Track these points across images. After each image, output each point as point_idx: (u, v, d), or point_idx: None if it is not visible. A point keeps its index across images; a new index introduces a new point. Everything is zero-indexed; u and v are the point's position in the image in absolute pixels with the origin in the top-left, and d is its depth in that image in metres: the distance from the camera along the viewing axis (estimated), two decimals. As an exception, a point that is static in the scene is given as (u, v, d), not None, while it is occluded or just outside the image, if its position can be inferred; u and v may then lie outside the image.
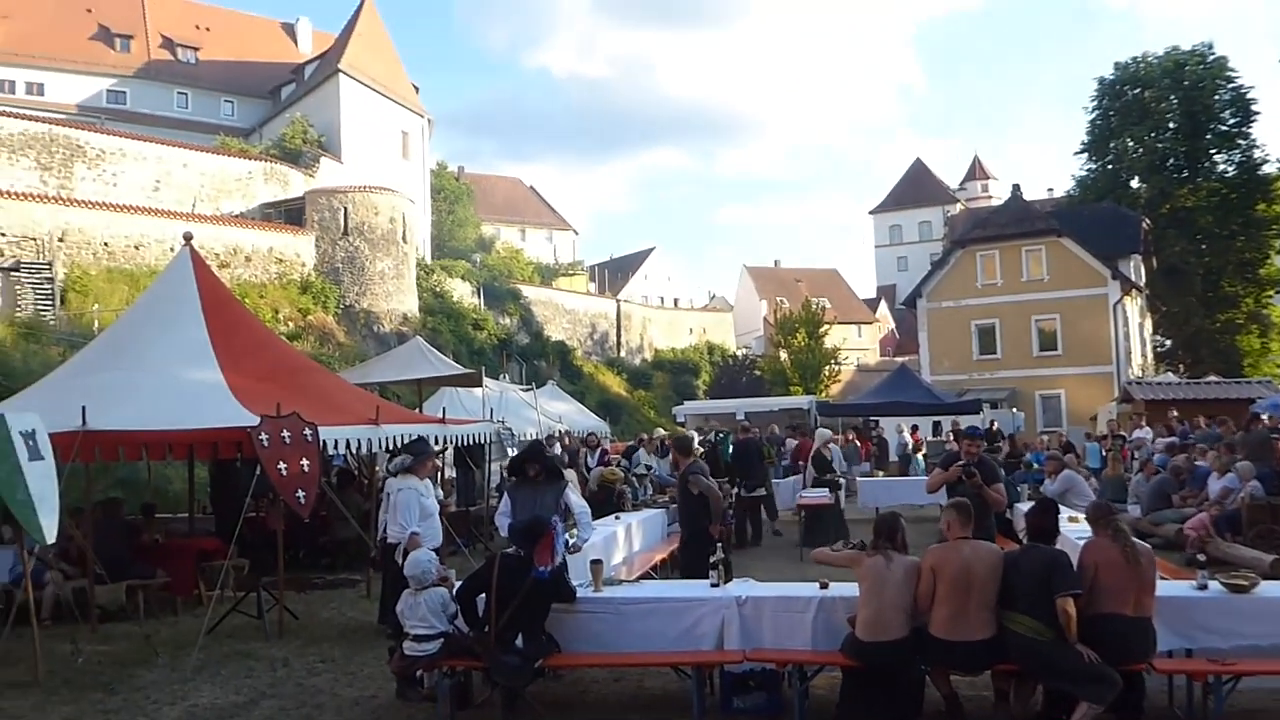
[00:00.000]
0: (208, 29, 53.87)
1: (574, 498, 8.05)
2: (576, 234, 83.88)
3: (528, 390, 22.56)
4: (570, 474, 9.92)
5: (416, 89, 50.35)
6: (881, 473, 21.86)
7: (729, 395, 42.09)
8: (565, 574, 6.87)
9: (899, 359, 51.69)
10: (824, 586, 6.52)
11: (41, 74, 47.32)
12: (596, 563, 7.23)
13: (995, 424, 24.91)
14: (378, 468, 13.20)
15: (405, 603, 6.59)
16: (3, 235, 25.89)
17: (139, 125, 42.58)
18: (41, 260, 26.12)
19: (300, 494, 9.20)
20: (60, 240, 27.42)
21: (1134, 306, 38.03)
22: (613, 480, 14.10)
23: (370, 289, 35.36)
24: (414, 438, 10.00)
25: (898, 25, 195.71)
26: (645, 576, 9.25)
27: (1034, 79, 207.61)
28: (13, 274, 24.69)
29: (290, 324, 30.88)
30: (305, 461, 9.29)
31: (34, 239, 26.79)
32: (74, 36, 49.04)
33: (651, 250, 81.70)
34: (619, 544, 10.80)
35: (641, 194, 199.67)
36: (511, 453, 17.47)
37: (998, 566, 5.92)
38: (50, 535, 7.71)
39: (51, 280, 25.51)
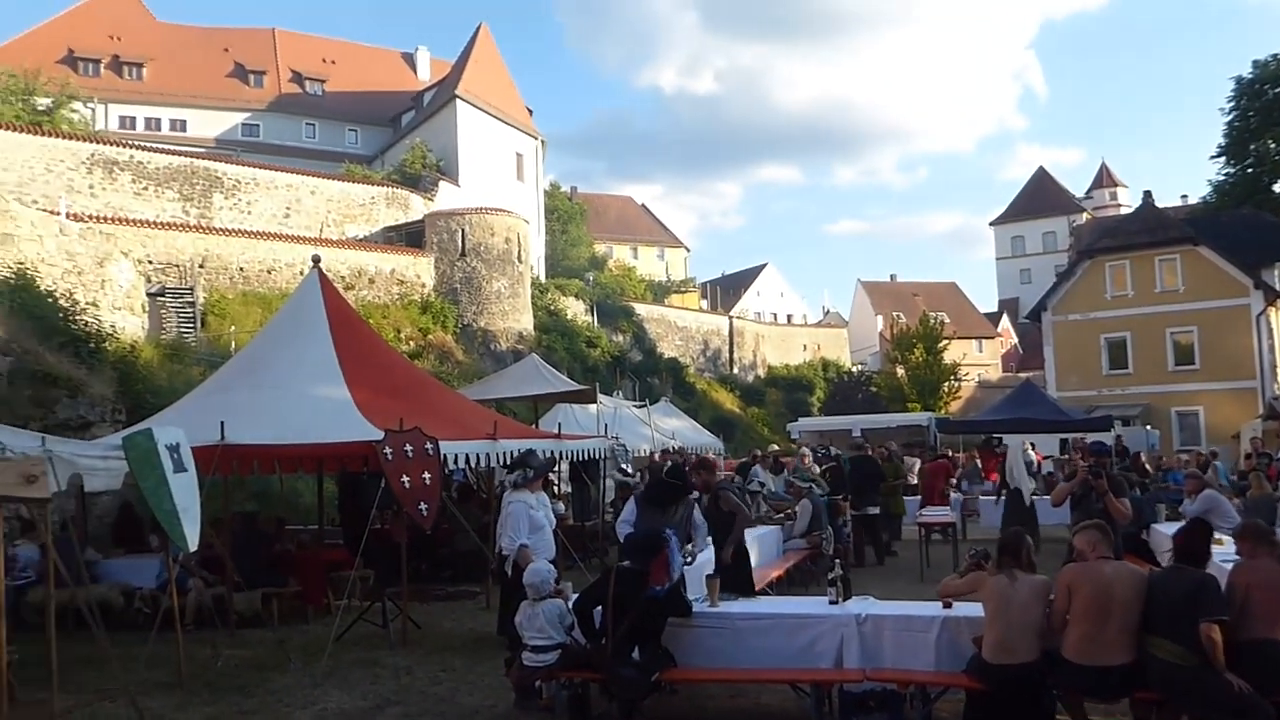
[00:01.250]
0: (333, 62, 56.34)
1: (697, 514, 8.07)
2: (688, 251, 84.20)
3: (641, 407, 22.66)
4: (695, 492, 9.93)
5: (530, 112, 51.48)
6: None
7: (844, 412, 41.44)
8: (682, 589, 6.86)
9: (1022, 374, 49.99)
10: (947, 606, 6.34)
11: (184, 111, 50.30)
12: (713, 578, 7.20)
13: (1121, 438, 23.78)
14: (496, 481, 13.45)
15: (524, 614, 6.69)
16: (150, 263, 27.51)
17: (271, 156, 44.75)
18: (184, 285, 27.65)
19: (422, 506, 9.45)
20: (200, 266, 28.98)
21: (1279, 317, 35.87)
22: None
23: (487, 308, 36.19)
24: (523, 450, 10.17)
25: (1017, 30, 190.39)
26: (761, 592, 9.16)
27: (1164, 80, 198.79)
28: (158, 299, 26.19)
29: (411, 343, 31.83)
30: (427, 475, 9.55)
31: (177, 266, 28.40)
32: (213, 75, 52.03)
33: (764, 266, 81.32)
34: (734, 560, 10.71)
35: (753, 210, 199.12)
36: (626, 468, 17.63)
37: (1141, 588, 5.63)
38: (193, 544, 8.11)
39: (193, 304, 26.98)
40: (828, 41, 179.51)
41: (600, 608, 6.44)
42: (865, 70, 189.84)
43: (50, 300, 17.25)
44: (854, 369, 60.99)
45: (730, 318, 59.36)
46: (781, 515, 14.13)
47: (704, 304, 66.01)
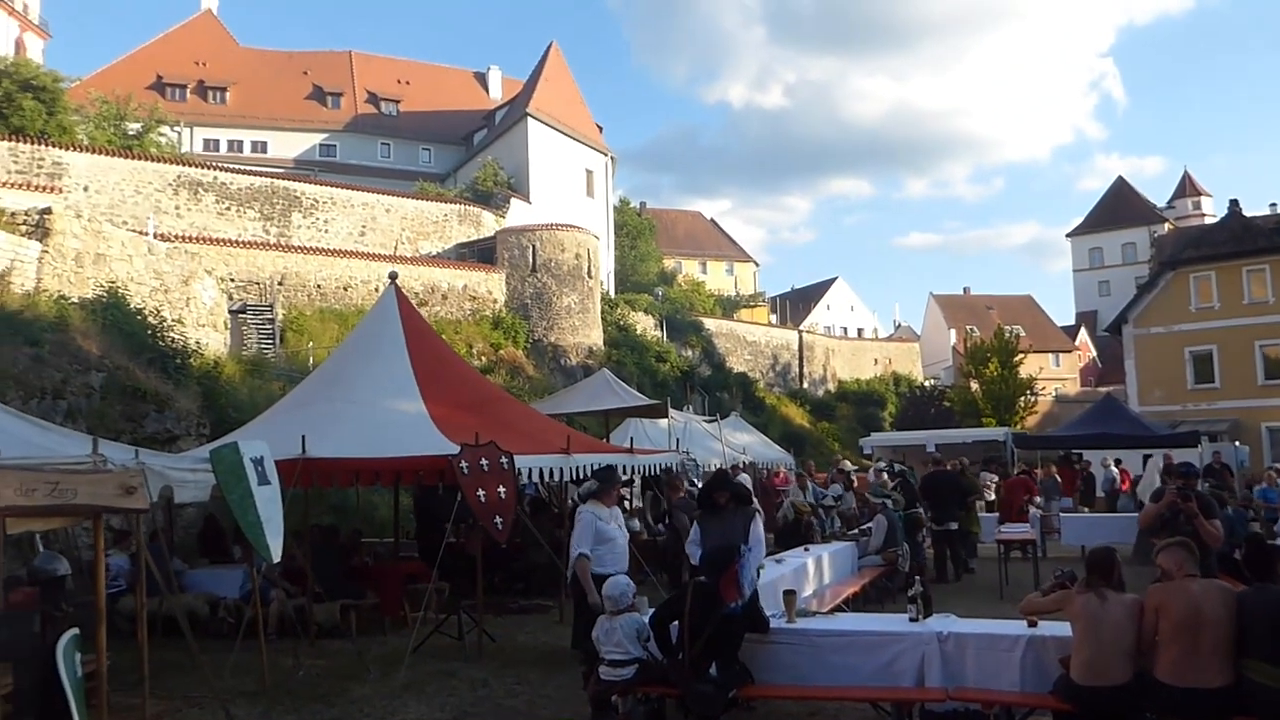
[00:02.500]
0: (407, 83, 57.54)
1: (756, 526, 7.97)
2: (757, 265, 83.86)
3: (711, 421, 22.58)
4: (756, 502, 9.83)
5: (600, 128, 51.90)
6: (1087, 509, 20.54)
7: (917, 427, 40.75)
8: (758, 604, 6.79)
9: (1102, 389, 48.65)
10: (1032, 624, 6.17)
11: (265, 133, 51.83)
12: (789, 593, 7.13)
13: (1220, 454, 22.90)
14: (568, 496, 13.52)
15: (601, 628, 6.69)
16: (232, 281, 28.36)
17: (347, 175, 45.86)
18: (264, 303, 28.44)
19: (498, 520, 9.53)
20: (280, 284, 29.77)
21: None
22: (802, 512, 13.89)
23: (557, 323, 36.49)
24: (603, 466, 10.19)
25: (1094, 37, 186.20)
26: (837, 609, 9.04)
27: (1250, 84, 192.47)
28: (240, 316, 26.97)
29: (483, 358, 32.24)
30: (502, 489, 9.63)
31: (258, 283, 29.23)
32: (292, 98, 53.55)
33: (834, 280, 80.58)
34: (809, 576, 10.61)
35: (822, 223, 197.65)
36: (699, 483, 17.53)
37: (1231, 606, 5.41)
38: (276, 555, 8.29)
39: (273, 321, 27.72)
40: (898, 53, 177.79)
41: (677, 623, 6.41)
42: (937, 81, 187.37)
43: (139, 318, 17.88)
44: (926, 383, 59.97)
45: (800, 332, 58.90)
46: (856, 530, 13.96)
47: (773, 318, 65.60)
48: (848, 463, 23.26)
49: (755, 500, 9.24)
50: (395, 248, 36.12)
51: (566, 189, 45.01)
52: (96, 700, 5.95)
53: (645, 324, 45.65)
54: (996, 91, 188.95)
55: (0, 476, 4.71)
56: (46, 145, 28.71)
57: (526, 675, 8.84)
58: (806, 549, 11.87)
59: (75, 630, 5.64)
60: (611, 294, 46.06)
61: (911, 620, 6.60)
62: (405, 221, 37.31)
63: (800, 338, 57.74)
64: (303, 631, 9.82)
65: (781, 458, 24.81)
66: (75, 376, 14.28)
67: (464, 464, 9.34)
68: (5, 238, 16.88)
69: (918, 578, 7.30)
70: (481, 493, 9.39)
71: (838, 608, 9.38)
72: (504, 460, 9.73)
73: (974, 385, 47.17)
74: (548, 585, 13.05)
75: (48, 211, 18.81)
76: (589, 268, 37.81)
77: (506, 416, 12.19)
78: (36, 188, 25.26)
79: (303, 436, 9.62)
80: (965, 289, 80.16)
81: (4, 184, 24.06)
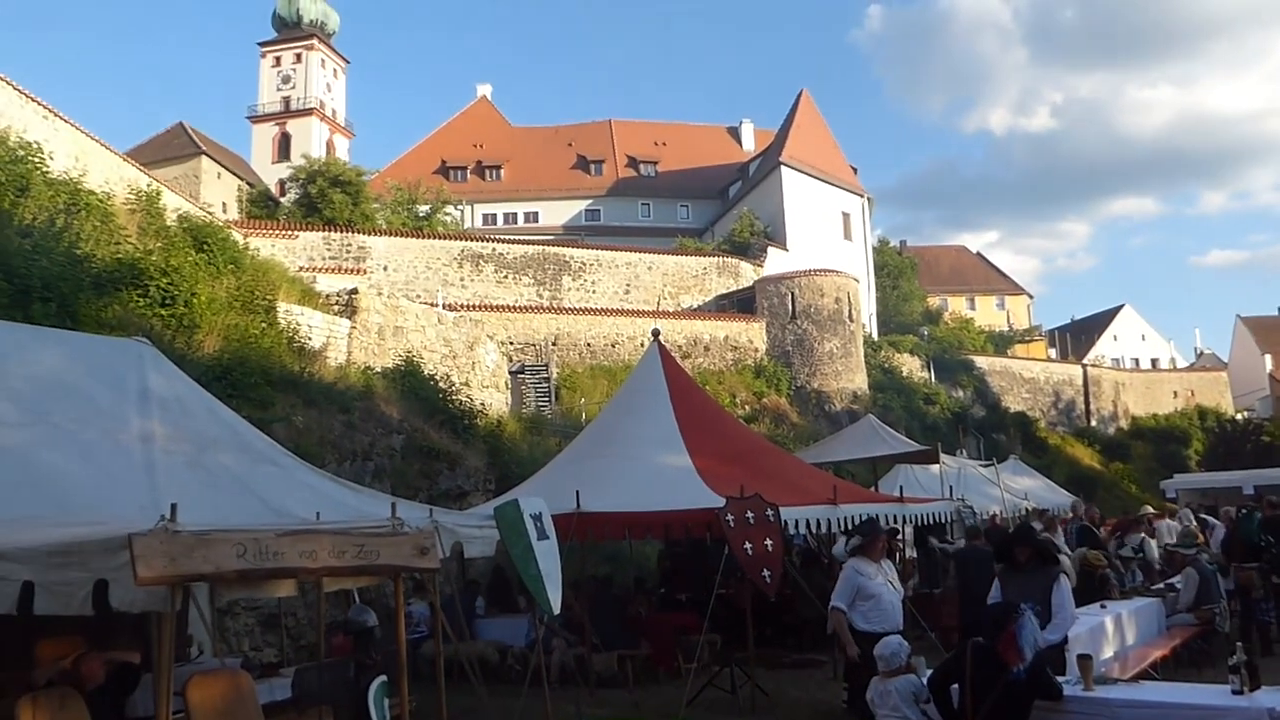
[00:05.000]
0: (664, 144, 59.75)
1: (1060, 590, 7.34)
2: (1031, 298, 79.02)
3: (988, 466, 21.39)
4: (1065, 561, 9.12)
5: (855, 170, 51.29)
6: None
7: (1229, 466, 36.50)
8: (1045, 668, 6.28)
9: None
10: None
11: (536, 204, 55.57)
12: (1085, 658, 6.55)
13: None
14: (835, 548, 13.23)
15: (875, 690, 6.45)
16: (510, 343, 30.39)
17: (611, 237, 48.03)
18: (540, 363, 30.22)
19: (766, 573, 9.48)
20: (553, 344, 31.55)
21: None
22: (1096, 565, 12.78)
23: (820, 369, 36.10)
24: (867, 518, 9.91)
25: None
26: (1142, 676, 8.20)
27: None
28: (518, 376, 28.79)
29: (746, 407, 32.43)
30: (769, 541, 9.59)
31: (534, 345, 31.15)
32: (559, 168, 57.16)
33: (1120, 308, 74.38)
34: (1108, 637, 9.70)
35: (1104, 248, 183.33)
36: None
37: None
38: (556, 607, 8.68)
39: (548, 380, 29.37)
40: (1180, 57, 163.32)
41: (956, 685, 6.06)
42: (1233, 84, 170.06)
43: (432, 383, 19.52)
44: (1239, 416, 53.72)
45: (1084, 366, 54.75)
46: (1161, 585, 12.65)
47: (1052, 353, 61.49)
48: (1149, 508, 21.17)
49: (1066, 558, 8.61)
50: (658, 303, 37.31)
51: (823, 233, 44.71)
52: (403, 742, 6.43)
53: (911, 365, 44.18)
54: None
55: (318, 541, 5.26)
56: (353, 232, 32.28)
57: (801, 734, 8.66)
58: (1103, 605, 10.87)
59: (383, 676, 6.18)
60: (874, 336, 45.02)
61: (1235, 693, 5.86)
62: (666, 277, 38.48)
63: (1085, 372, 53.65)
64: (582, 680, 10.17)
65: (1068, 503, 23.02)
66: (380, 439, 15.79)
67: (730, 517, 9.41)
68: (322, 317, 19.05)
69: (1239, 644, 6.46)
70: (748, 545, 9.40)
71: (1143, 674, 8.51)
72: (769, 513, 9.71)
73: (1299, 417, 41.74)
74: (820, 639, 12.74)
75: (355, 292, 21.05)
76: (850, 311, 37.22)
77: (771, 467, 12.18)
78: (345, 270, 28.41)
79: (576, 492, 10.07)
80: (1280, 309, 71.39)
81: (320, 269, 27.21)
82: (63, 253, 13.58)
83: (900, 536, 13.88)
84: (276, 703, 7.42)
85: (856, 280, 39.53)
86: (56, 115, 21.94)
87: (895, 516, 12.28)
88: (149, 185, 22.72)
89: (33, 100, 21.25)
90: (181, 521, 4.74)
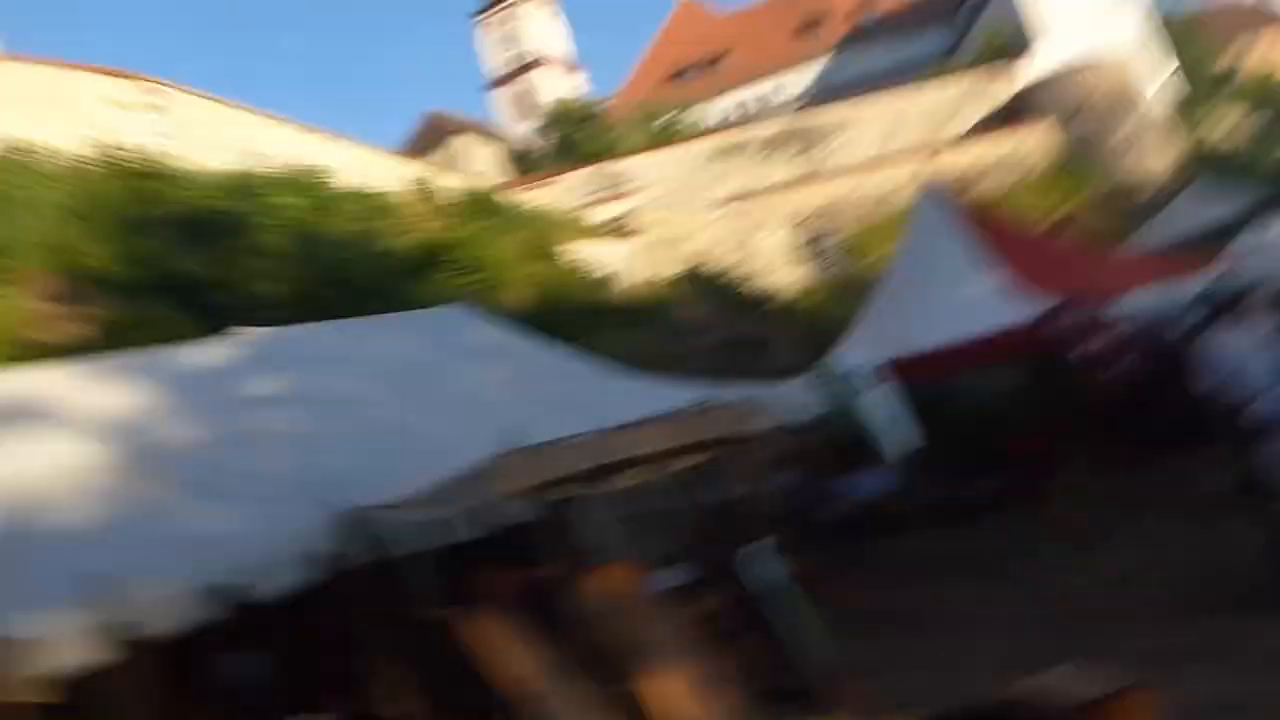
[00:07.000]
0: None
1: None
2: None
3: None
4: None
5: None
6: None
7: None
8: None
9: None
10: None
11: (769, 81, 54.27)
12: None
13: None
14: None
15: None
16: (788, 221, 30.09)
17: (852, 93, 45.95)
18: (821, 232, 29.78)
19: (1113, 370, 8.82)
20: (831, 210, 30.91)
21: None
22: None
23: (1111, 165, 32.81)
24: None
25: None
26: None
27: None
28: (805, 249, 28.56)
29: (1045, 221, 30.15)
30: (1107, 338, 8.88)
31: (810, 216, 30.63)
32: (781, 43, 55.42)
33: None
34: None
35: None
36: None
37: None
38: (905, 450, 8.71)
39: (833, 246, 28.95)
40: None
41: None
42: None
43: (722, 278, 19.71)
44: None
45: None
46: None
47: None
48: None
49: None
50: (923, 144, 35.39)
51: (1082, 10, 39.78)
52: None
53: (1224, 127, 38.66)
54: None
55: (649, 430, 5.78)
56: (607, 161, 33.23)
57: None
58: None
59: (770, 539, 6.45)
60: (1173, 108, 39.82)
61: None
62: (924, 116, 36.32)
63: None
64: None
65: None
66: (689, 341, 16.34)
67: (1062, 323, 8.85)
68: (603, 247, 19.88)
69: None
70: (1087, 348, 8.79)
71: None
72: (1099, 312, 9.02)
73: None
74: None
75: (625, 215, 21.74)
76: (1130, 96, 33.31)
77: (1094, 266, 11.31)
78: (612, 199, 29.38)
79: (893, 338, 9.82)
80: None
81: (589, 204, 28.31)
82: (373, 253, 15.10)
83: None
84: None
85: (1133, 58, 35.11)
86: (330, 138, 24.10)
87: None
88: (423, 175, 24.52)
89: (309, 130, 23.44)
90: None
